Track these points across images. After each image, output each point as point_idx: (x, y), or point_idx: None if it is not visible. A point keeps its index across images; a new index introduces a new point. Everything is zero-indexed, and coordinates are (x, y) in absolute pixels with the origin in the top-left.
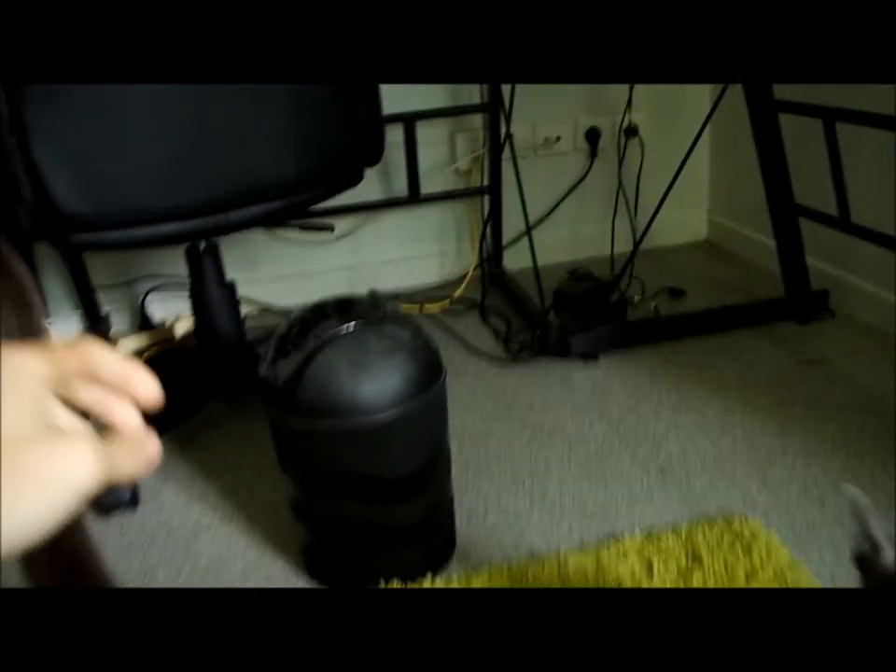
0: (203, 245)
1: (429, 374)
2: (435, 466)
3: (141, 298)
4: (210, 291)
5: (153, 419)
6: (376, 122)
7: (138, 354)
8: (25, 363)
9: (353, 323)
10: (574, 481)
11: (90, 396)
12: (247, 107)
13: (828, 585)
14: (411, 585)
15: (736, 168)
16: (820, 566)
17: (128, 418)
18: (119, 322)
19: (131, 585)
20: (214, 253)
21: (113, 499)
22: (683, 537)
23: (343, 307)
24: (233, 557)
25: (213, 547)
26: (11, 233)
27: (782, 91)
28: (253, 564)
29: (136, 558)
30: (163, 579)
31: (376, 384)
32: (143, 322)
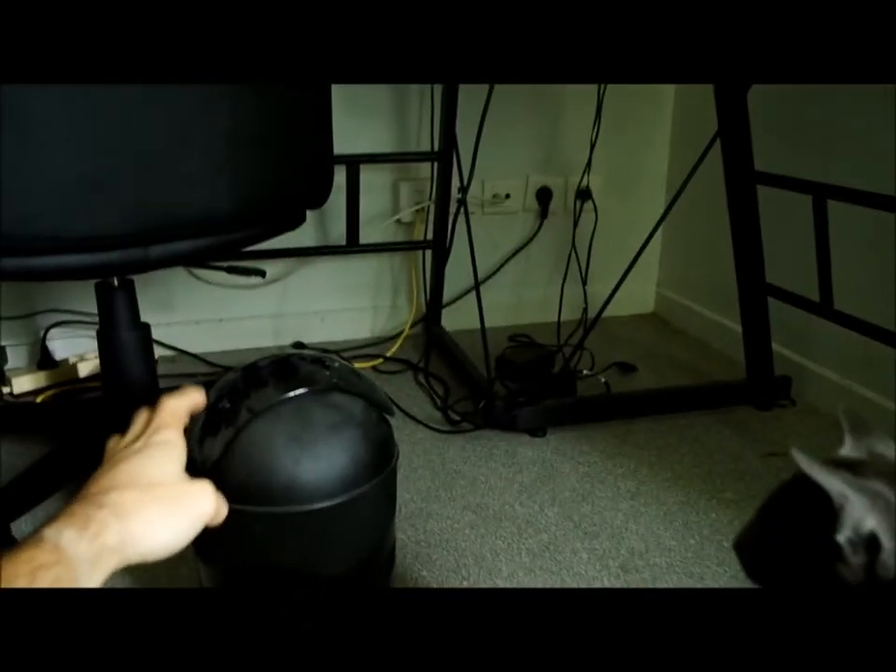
0: (116, 281)
1: (381, 456)
2: (375, 562)
3: (42, 333)
4: (121, 333)
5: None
6: (326, 160)
7: (35, 393)
8: (175, 434)
9: (295, 392)
10: (525, 574)
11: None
12: (178, 127)
13: None
14: None
15: (688, 241)
16: None
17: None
18: (15, 358)
19: None
20: (128, 290)
21: None
22: None
23: (282, 370)
24: None
25: None
26: None
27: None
28: None
29: None
30: None
31: (319, 465)
32: (43, 359)
